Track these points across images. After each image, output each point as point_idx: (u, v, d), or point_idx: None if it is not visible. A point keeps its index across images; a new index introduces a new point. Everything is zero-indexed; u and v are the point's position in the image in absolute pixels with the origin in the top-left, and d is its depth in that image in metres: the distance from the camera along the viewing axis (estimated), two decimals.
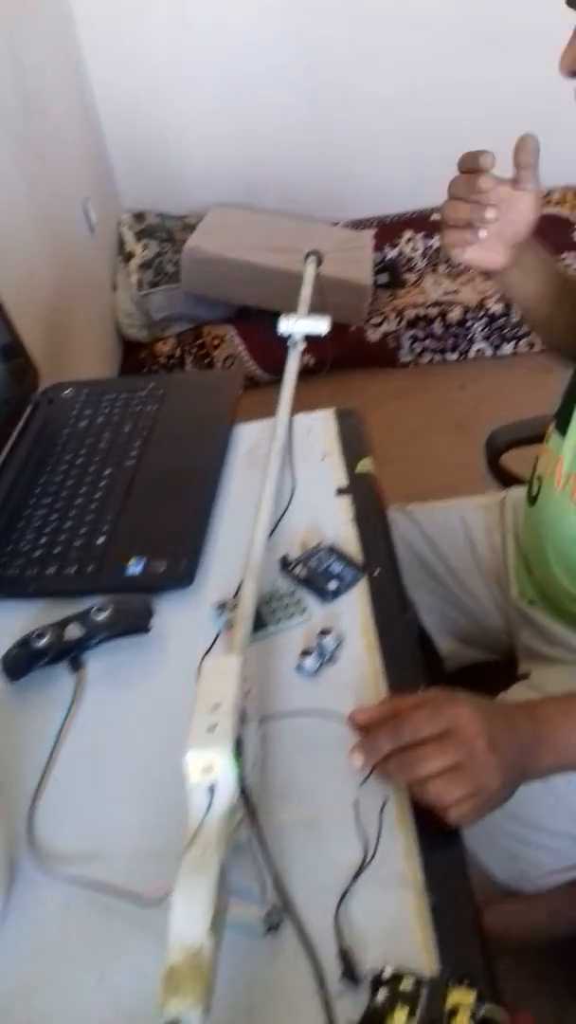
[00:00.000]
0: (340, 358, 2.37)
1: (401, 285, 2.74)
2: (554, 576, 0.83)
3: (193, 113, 2.84)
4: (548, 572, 0.83)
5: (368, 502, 0.86)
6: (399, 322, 2.55)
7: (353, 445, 0.93)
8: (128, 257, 2.68)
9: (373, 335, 2.56)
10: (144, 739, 0.67)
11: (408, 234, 2.97)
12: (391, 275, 2.78)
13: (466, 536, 1.01)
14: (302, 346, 1.07)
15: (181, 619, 0.76)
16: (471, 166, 0.76)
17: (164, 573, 0.78)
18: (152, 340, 2.59)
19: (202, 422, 0.98)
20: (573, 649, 0.86)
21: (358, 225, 3.03)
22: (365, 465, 0.90)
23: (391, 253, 2.91)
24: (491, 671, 0.98)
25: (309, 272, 1.28)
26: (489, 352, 2.55)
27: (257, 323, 2.56)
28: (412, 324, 2.55)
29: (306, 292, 1.20)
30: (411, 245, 2.94)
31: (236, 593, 0.76)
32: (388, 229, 3.00)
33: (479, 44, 2.76)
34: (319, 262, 1.33)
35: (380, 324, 2.56)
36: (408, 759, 0.56)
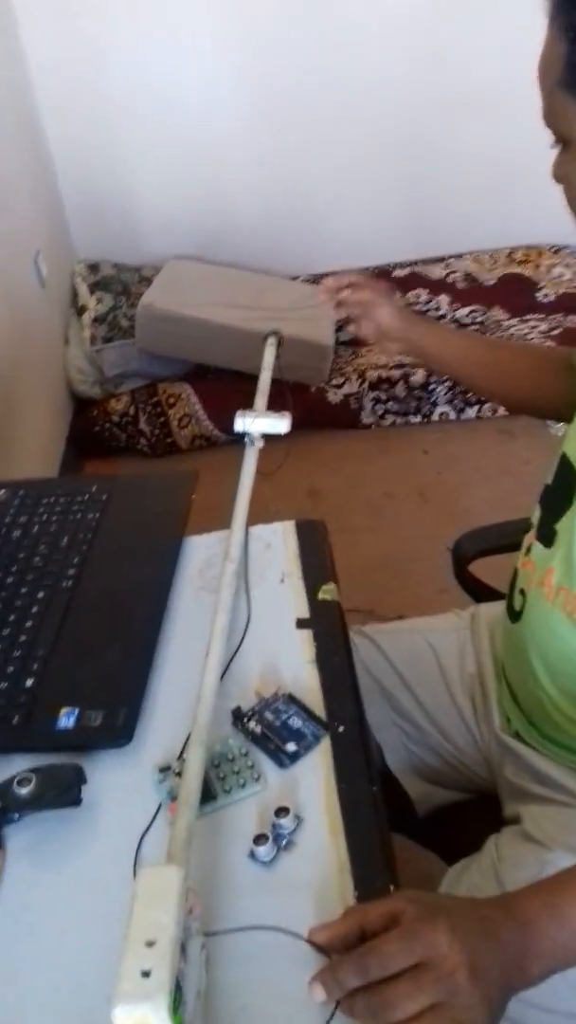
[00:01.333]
0: (301, 419, 2.32)
1: (363, 343, 2.72)
2: (545, 697, 0.79)
3: (151, 162, 2.81)
4: (537, 694, 0.79)
5: (331, 637, 0.80)
6: (361, 383, 2.52)
7: (315, 564, 0.88)
8: (81, 311, 2.63)
9: (334, 396, 2.53)
10: (71, 929, 0.59)
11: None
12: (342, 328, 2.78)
13: (436, 662, 0.96)
14: (260, 444, 1.01)
15: (117, 784, 0.69)
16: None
17: (99, 728, 0.70)
18: (105, 397, 2.54)
19: (149, 533, 0.92)
20: (566, 789, 0.79)
21: (320, 280, 2.99)
22: (329, 592, 0.83)
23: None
24: (469, 812, 0.91)
25: (268, 357, 1.24)
26: (453, 415, 2.54)
27: (214, 381, 2.54)
28: (374, 386, 2.53)
29: (265, 380, 1.16)
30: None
31: (181, 753, 0.69)
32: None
33: (448, 101, 2.78)
34: (279, 343, 1.29)
35: (342, 385, 2.54)
36: (378, 1001, 0.48)
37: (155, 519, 0.94)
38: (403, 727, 0.95)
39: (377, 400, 2.55)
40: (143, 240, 2.91)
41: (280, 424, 1.00)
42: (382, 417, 2.56)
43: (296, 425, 1.01)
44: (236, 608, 0.82)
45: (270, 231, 2.96)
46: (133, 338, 2.50)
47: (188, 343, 2.47)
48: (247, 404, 1.05)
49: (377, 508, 2.26)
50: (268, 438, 1.01)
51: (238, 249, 2.95)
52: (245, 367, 2.46)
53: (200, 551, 0.91)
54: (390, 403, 2.55)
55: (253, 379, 1.13)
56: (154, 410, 2.50)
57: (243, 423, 1.00)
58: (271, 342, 1.27)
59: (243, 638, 0.80)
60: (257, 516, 0.96)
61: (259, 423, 0.99)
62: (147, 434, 2.50)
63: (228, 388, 2.48)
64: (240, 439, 1.00)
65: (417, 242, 3.03)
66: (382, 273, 3.01)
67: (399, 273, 2.99)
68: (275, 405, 1.06)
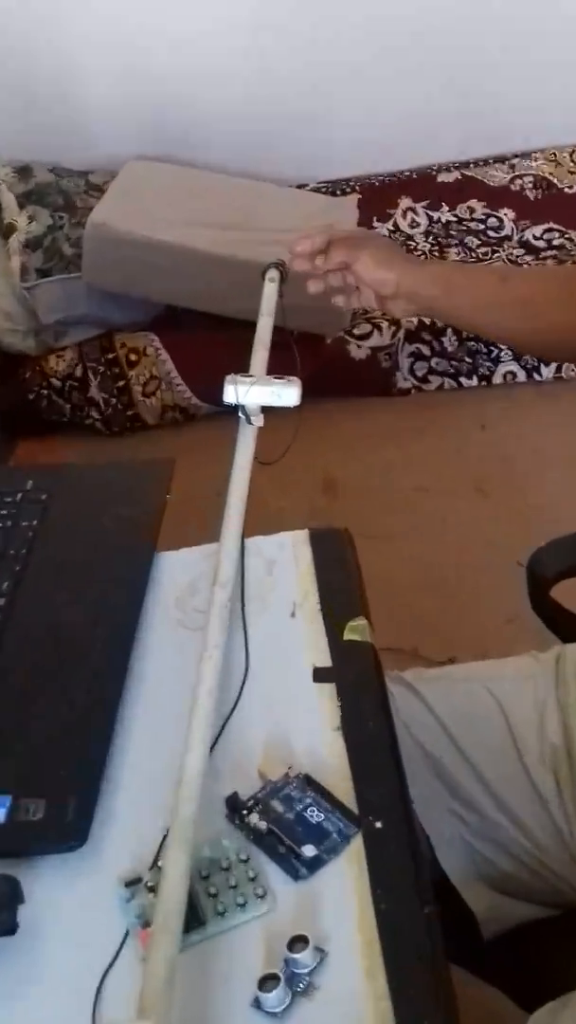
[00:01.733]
0: (312, 383, 2.29)
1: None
2: None
3: (102, 28, 2.79)
4: None
5: (363, 693, 0.79)
6: (395, 333, 2.51)
7: (339, 590, 0.88)
8: (7, 232, 2.60)
9: (359, 351, 2.52)
10: None
11: (405, 202, 2.97)
12: None
13: (504, 723, 0.96)
14: (259, 423, 1.01)
15: (67, 904, 0.68)
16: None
17: (41, 825, 0.70)
18: (42, 353, 2.53)
19: (107, 547, 0.92)
20: None
21: (333, 189, 3.02)
22: (358, 630, 0.83)
23: (381, 229, 2.88)
24: (555, 934, 0.90)
25: (268, 298, 1.25)
26: (522, 377, 2.53)
27: (193, 331, 2.51)
28: (413, 336, 2.52)
29: (264, 330, 1.17)
30: (410, 218, 2.94)
31: (156, 861, 0.69)
32: (377, 195, 2.98)
33: None
34: (283, 277, 1.29)
35: (368, 335, 2.53)
36: None
37: (115, 528, 0.94)
38: (461, 814, 0.96)
39: (417, 356, 2.53)
40: (92, 135, 2.89)
41: (287, 393, 0.99)
42: (424, 379, 2.55)
43: (307, 392, 1.02)
44: (229, 653, 0.81)
45: (264, 122, 2.95)
46: (79, 271, 2.48)
47: (156, 278, 2.46)
48: (240, 364, 1.05)
49: (417, 506, 2.25)
50: (270, 413, 1.01)
51: (220, 147, 2.93)
52: (235, 311, 2.43)
53: (178, 572, 0.91)
54: (435, 360, 2.53)
55: (246, 328, 1.15)
56: (110, 371, 2.49)
57: (235, 392, 0.99)
58: (271, 277, 1.27)
59: (239, 696, 0.79)
60: (256, 520, 0.95)
61: (257, 392, 0.98)
62: (100, 404, 2.50)
63: (211, 340, 2.46)
64: (231, 413, 1.00)
65: (468, 135, 3.04)
66: (425, 177, 3.00)
67: (445, 178, 2.99)
68: (277, 365, 1.06)
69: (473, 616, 1.96)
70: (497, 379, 2.53)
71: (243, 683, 0.80)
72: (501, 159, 3.03)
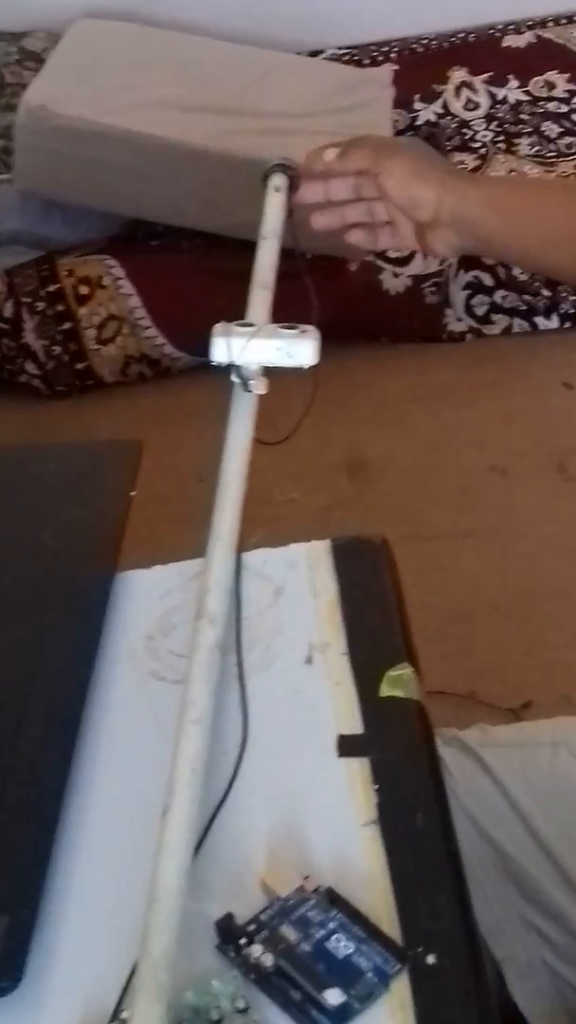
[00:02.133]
0: (333, 326, 2.28)
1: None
2: None
3: None
4: None
5: (407, 771, 0.78)
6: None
7: (373, 626, 0.88)
8: None
9: (395, 282, 2.53)
10: None
11: (459, 75, 2.97)
12: None
13: None
14: (260, 388, 1.01)
15: None
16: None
17: None
18: None
19: (47, 568, 0.92)
20: None
21: (359, 57, 3.01)
22: (401, 681, 0.82)
23: (427, 112, 2.87)
24: None
25: (272, 211, 1.25)
26: None
27: (164, 254, 2.52)
28: (470, 261, 2.52)
29: (268, 256, 1.17)
30: (465, 97, 2.94)
31: (116, 1015, 0.67)
32: (420, 65, 2.99)
33: None
34: (292, 183, 1.29)
35: (408, 260, 2.53)
36: None
37: (58, 541, 0.93)
38: (541, 928, 0.96)
39: (476, 287, 2.54)
40: None
41: (300, 350, 0.97)
42: (485, 319, 2.56)
43: (326, 339, 1.01)
44: (221, 716, 0.80)
45: None
46: (8, 172, 2.52)
47: (114, 180, 2.46)
48: (231, 301, 1.07)
49: (477, 495, 2.26)
50: (275, 375, 1.00)
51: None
52: (224, 226, 2.45)
53: (148, 600, 0.91)
54: (501, 293, 2.54)
55: (239, 249, 1.17)
56: (51, 308, 2.50)
57: (227, 348, 0.98)
58: (276, 185, 1.27)
59: (234, 777, 0.78)
60: (256, 519, 0.94)
61: (259, 349, 0.97)
62: (38, 354, 2.51)
63: (192, 267, 2.47)
64: (222, 373, 0.99)
65: None
66: (485, 41, 2.99)
67: (514, 41, 2.98)
68: (284, 301, 1.06)
69: (554, 647, 1.96)
70: None
71: (239, 759, 0.79)
72: None
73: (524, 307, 2.54)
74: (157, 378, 2.55)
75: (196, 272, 2.47)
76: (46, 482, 0.98)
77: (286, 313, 1.02)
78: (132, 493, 0.95)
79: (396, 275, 2.50)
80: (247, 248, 1.17)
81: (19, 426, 2.48)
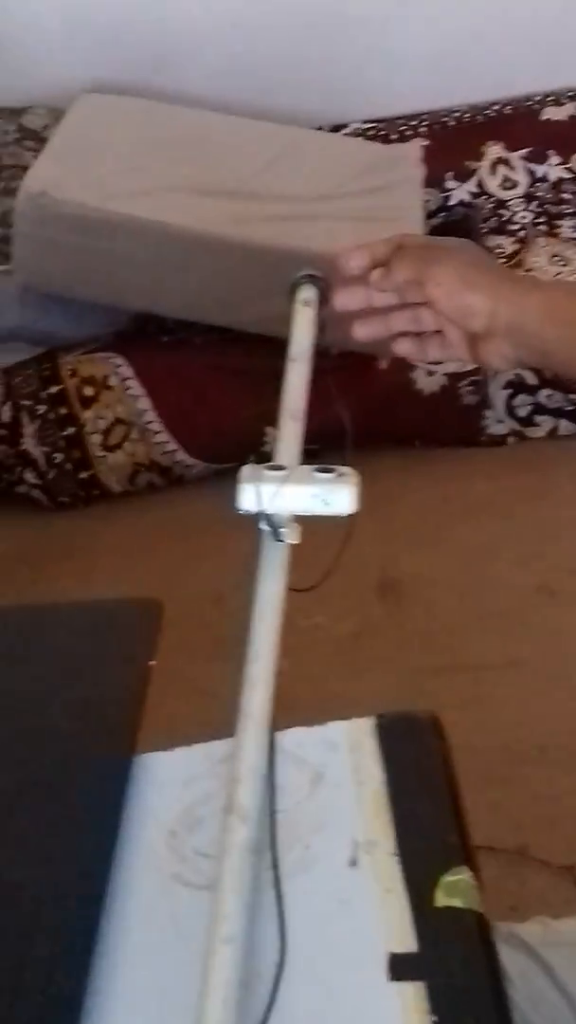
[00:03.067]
0: (363, 425, 2.25)
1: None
2: None
3: None
4: None
5: (470, 993, 0.75)
6: None
7: (425, 819, 0.85)
8: None
9: (429, 381, 2.54)
10: None
11: (495, 150, 2.99)
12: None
13: None
14: (293, 538, 0.99)
15: None
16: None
17: None
18: None
19: (53, 754, 0.90)
20: None
21: (386, 132, 3.03)
22: (459, 889, 0.80)
23: (460, 191, 2.90)
24: None
25: (301, 328, 1.24)
26: None
27: (175, 352, 2.54)
28: None
29: (296, 389, 1.14)
30: (502, 175, 2.96)
31: None
32: (453, 140, 3.01)
33: None
34: (323, 294, 1.29)
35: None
36: None
37: (67, 721, 0.91)
38: None
39: (518, 387, 2.54)
40: (26, 55, 2.93)
41: (338, 497, 0.97)
42: (528, 421, 2.57)
43: (353, 442, 1.04)
44: (254, 927, 0.77)
45: (276, 31, 2.97)
46: (6, 263, 2.51)
47: (121, 272, 2.47)
48: (250, 404, 1.08)
49: (524, 618, 2.24)
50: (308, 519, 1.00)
51: (216, 74, 2.96)
52: (244, 321, 2.45)
53: (170, 787, 0.89)
54: (546, 393, 2.54)
55: (258, 345, 1.17)
56: (53, 411, 2.51)
57: (256, 495, 0.96)
58: (306, 296, 1.26)
59: (271, 1004, 0.75)
60: (287, 648, 0.92)
61: (291, 496, 0.96)
62: (39, 462, 2.51)
63: (207, 365, 2.46)
64: (225, 473, 0.96)
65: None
66: (519, 114, 3.03)
67: (555, 114, 3.00)
68: (311, 403, 1.09)
69: None
70: None
71: (276, 982, 0.76)
72: None
73: (571, 407, 2.52)
74: (169, 488, 2.54)
75: (211, 371, 2.47)
76: (55, 651, 0.96)
77: (311, 415, 1.06)
78: (152, 663, 0.93)
79: (430, 373, 2.50)
80: (267, 344, 1.16)
81: (16, 542, 2.47)
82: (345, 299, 1.17)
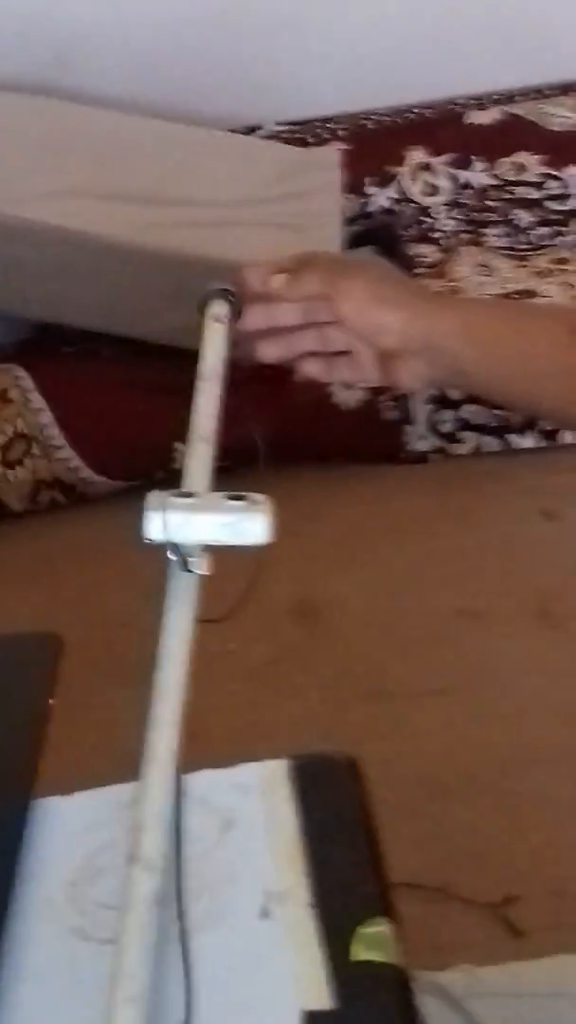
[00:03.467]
0: (279, 441, 2.25)
1: (405, 272, 2.72)
2: None
3: None
4: None
5: None
6: None
7: (341, 866, 0.85)
8: None
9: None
10: None
11: (417, 155, 3.00)
12: (384, 250, 2.81)
13: None
14: (202, 568, 0.98)
15: None
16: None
17: None
18: None
19: None
20: None
21: (303, 135, 3.05)
22: (378, 941, 0.79)
23: (380, 198, 2.93)
24: None
25: (212, 346, 1.21)
26: None
27: (80, 363, 2.56)
28: None
29: (205, 410, 1.13)
30: (424, 181, 2.98)
31: None
32: (373, 144, 3.03)
33: None
34: (235, 313, 1.29)
35: None
36: None
37: None
38: None
39: (441, 402, 2.55)
40: None
41: (250, 526, 0.95)
42: (452, 438, 2.58)
43: (269, 459, 1.05)
44: (158, 984, 0.76)
45: (189, 25, 2.98)
46: None
47: (22, 279, 2.47)
48: (159, 419, 1.09)
49: (448, 644, 2.24)
50: (220, 472, 1.03)
51: (118, 68, 2.97)
52: (150, 332, 2.44)
53: (70, 834, 0.88)
54: (469, 408, 2.55)
55: (167, 358, 1.18)
56: None
57: (163, 524, 0.95)
58: (217, 312, 1.25)
59: None
60: (198, 676, 0.90)
61: (201, 525, 0.95)
62: None
63: (113, 377, 2.46)
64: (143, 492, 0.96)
65: (515, 50, 3.06)
66: (443, 117, 3.05)
67: (479, 118, 3.01)
68: (223, 417, 1.08)
69: (542, 827, 1.92)
70: (569, 437, 2.54)
71: None
72: (567, 88, 3.04)
73: (496, 423, 2.53)
74: (73, 507, 2.52)
75: (117, 384, 2.46)
76: None
77: (224, 429, 1.06)
78: (51, 701, 0.91)
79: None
80: (177, 356, 1.16)
81: None
82: (249, 318, 1.18)
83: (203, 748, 0.86)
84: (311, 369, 1.21)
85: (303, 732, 1.98)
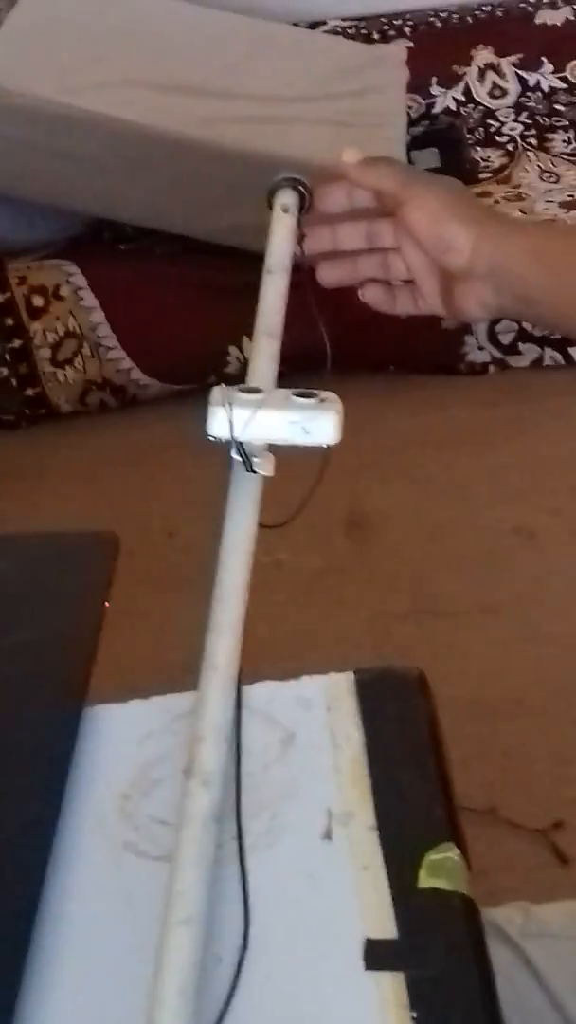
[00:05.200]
0: (334, 347, 2.24)
1: (467, 177, 2.69)
2: None
3: None
4: None
5: (455, 987, 0.73)
6: None
7: (409, 789, 0.83)
8: None
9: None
10: None
11: (484, 55, 2.95)
12: (447, 153, 2.78)
13: None
14: (267, 469, 0.97)
15: None
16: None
17: None
18: None
19: None
20: None
21: (367, 31, 2.99)
22: (445, 868, 0.77)
23: (445, 98, 2.88)
24: None
25: (280, 239, 1.18)
26: None
27: (134, 261, 2.54)
28: None
29: (272, 305, 1.11)
30: (491, 82, 2.93)
31: None
32: (439, 43, 2.98)
33: None
34: (305, 200, 1.27)
35: None
36: None
37: (13, 659, 0.89)
38: None
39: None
40: None
41: (320, 425, 0.94)
42: (511, 350, 2.55)
43: (323, 366, 1.05)
44: (214, 906, 0.74)
45: None
46: None
47: (76, 172, 2.43)
48: (215, 321, 1.08)
49: (501, 561, 2.23)
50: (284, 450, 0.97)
51: None
52: (206, 231, 2.41)
53: (124, 744, 0.87)
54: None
55: (223, 257, 1.16)
56: None
57: (228, 420, 0.92)
58: (285, 202, 1.21)
59: (232, 992, 0.72)
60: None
61: (267, 422, 0.93)
62: None
63: (166, 277, 2.46)
64: (198, 403, 0.95)
65: None
66: (512, 16, 2.99)
67: (550, 17, 2.99)
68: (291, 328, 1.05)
69: None
70: None
71: (238, 969, 0.73)
72: None
73: (557, 336, 2.49)
74: (122, 409, 2.52)
75: (172, 284, 2.44)
76: None
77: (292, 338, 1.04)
78: (106, 604, 0.88)
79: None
80: (232, 256, 1.14)
81: None
82: (312, 239, 1.16)
83: (247, 660, 0.86)
84: (371, 296, 1.19)
85: (350, 647, 1.96)
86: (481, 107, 2.88)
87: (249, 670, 0.87)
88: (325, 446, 0.96)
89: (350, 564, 2.20)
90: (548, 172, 2.72)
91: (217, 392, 0.94)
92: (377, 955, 0.74)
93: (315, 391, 0.96)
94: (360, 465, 2.29)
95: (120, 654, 1.57)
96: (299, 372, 1.09)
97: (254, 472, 0.95)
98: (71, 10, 2.67)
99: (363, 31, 2.97)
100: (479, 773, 1.85)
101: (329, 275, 1.17)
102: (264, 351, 1.04)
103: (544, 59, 2.92)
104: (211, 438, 0.94)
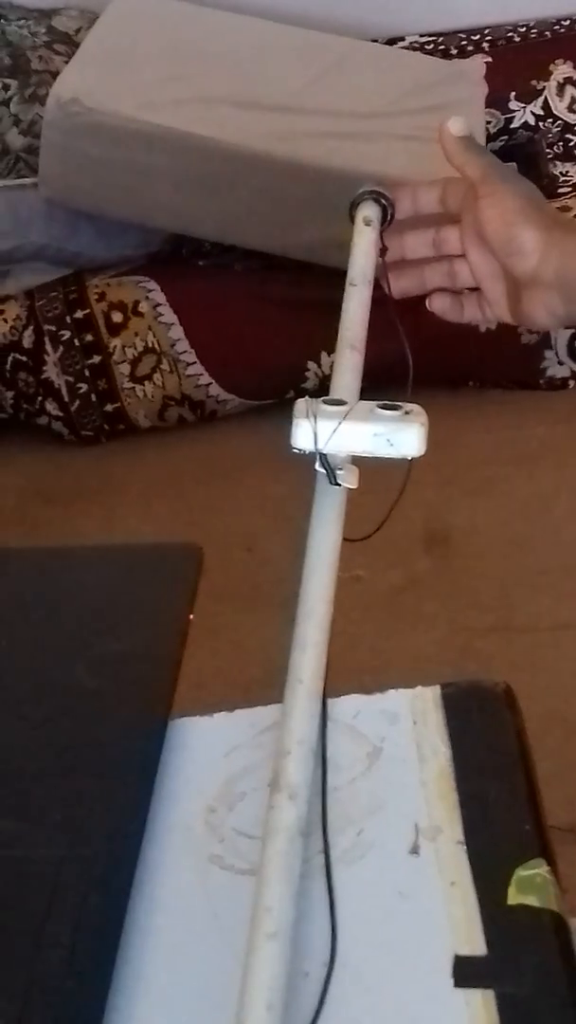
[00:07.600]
0: (414, 363, 2.24)
1: (547, 192, 2.67)
2: None
3: None
4: None
5: (546, 1006, 0.71)
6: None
7: (497, 806, 0.83)
8: None
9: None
10: None
11: (563, 69, 2.95)
12: (525, 168, 2.75)
13: None
14: (351, 481, 0.97)
15: None
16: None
17: None
18: None
19: (78, 717, 0.88)
20: None
21: (446, 46, 2.99)
22: (534, 885, 0.77)
23: (524, 113, 2.86)
24: None
25: (362, 251, 1.19)
26: None
27: (213, 278, 2.53)
28: None
29: (355, 316, 1.12)
30: (569, 95, 2.91)
31: None
32: (517, 58, 2.97)
33: None
34: (386, 212, 1.28)
35: None
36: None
37: (100, 671, 0.89)
38: None
39: None
40: None
41: (405, 437, 0.95)
42: None
43: (402, 381, 1.05)
44: (301, 920, 0.74)
45: None
46: (33, 174, 2.50)
47: (157, 189, 2.44)
48: (293, 337, 1.09)
49: None
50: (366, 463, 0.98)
51: None
52: (284, 247, 2.41)
53: (209, 757, 0.87)
54: None
55: (302, 274, 1.17)
56: (79, 338, 2.49)
57: (312, 432, 0.93)
58: (368, 215, 1.22)
59: (319, 1009, 0.72)
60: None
61: (352, 434, 0.94)
62: (62, 392, 2.49)
63: (245, 293, 2.45)
64: (275, 412, 0.99)
65: None
66: None
67: None
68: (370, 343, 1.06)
69: None
70: None
71: (325, 985, 0.73)
72: None
73: None
74: (200, 424, 2.51)
75: (251, 300, 2.44)
76: (83, 599, 0.94)
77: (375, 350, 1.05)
78: (190, 616, 0.89)
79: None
80: (311, 271, 1.14)
81: (34, 477, 2.46)
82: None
83: (326, 675, 0.86)
84: (439, 305, 1.20)
85: (430, 663, 1.95)
86: (560, 121, 2.86)
87: (330, 685, 0.87)
88: (409, 458, 0.96)
89: (429, 579, 2.19)
90: None
91: (301, 404, 0.94)
92: (466, 972, 0.73)
93: (399, 403, 0.96)
94: (439, 480, 2.28)
95: (199, 669, 1.57)
96: (379, 387, 1.09)
97: (338, 485, 0.95)
98: (150, 28, 2.67)
99: (441, 47, 2.96)
100: (561, 790, 1.83)
101: (396, 285, 1.19)
102: (347, 363, 1.04)
103: None
104: (295, 450, 0.94)
